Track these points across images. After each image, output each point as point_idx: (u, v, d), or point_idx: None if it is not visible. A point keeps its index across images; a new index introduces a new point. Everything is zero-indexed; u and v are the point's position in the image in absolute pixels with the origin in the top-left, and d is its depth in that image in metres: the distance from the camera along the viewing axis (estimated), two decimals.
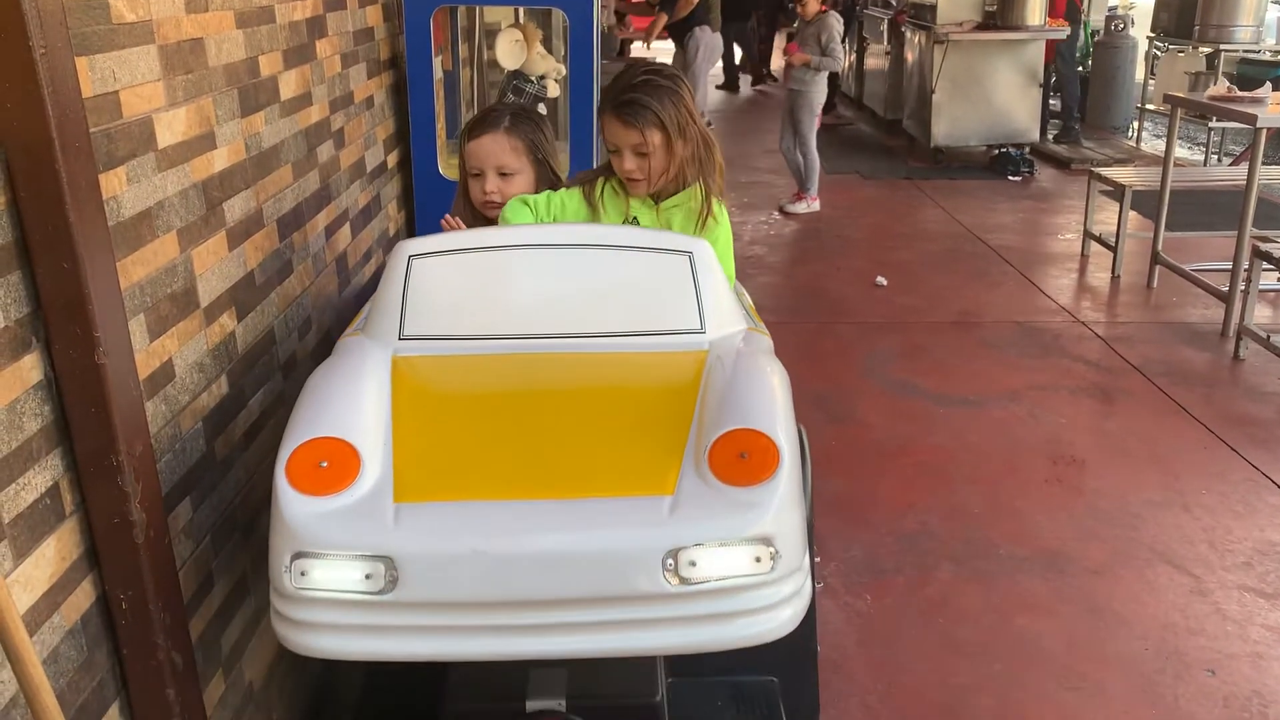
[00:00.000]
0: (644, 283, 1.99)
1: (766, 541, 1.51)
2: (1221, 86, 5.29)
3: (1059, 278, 5.86)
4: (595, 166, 2.46)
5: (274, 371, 2.22)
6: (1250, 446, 3.78)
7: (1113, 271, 5.79)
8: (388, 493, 1.54)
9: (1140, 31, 10.21)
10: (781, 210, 7.36)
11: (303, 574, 1.48)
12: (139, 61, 1.66)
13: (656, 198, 2.30)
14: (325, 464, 1.55)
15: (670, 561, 1.48)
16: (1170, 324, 5.09)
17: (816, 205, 7.35)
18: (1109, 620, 2.83)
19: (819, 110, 7.21)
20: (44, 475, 1.38)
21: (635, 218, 2.30)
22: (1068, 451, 3.77)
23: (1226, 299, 4.84)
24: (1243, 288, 4.63)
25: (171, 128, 1.76)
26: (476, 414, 1.79)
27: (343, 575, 1.47)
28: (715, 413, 1.67)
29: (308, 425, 1.62)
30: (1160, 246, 5.48)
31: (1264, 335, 4.42)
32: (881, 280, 5.76)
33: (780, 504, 1.54)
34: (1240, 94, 5.07)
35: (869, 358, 4.71)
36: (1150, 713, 2.48)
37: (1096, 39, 10.51)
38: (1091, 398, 4.27)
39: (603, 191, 2.34)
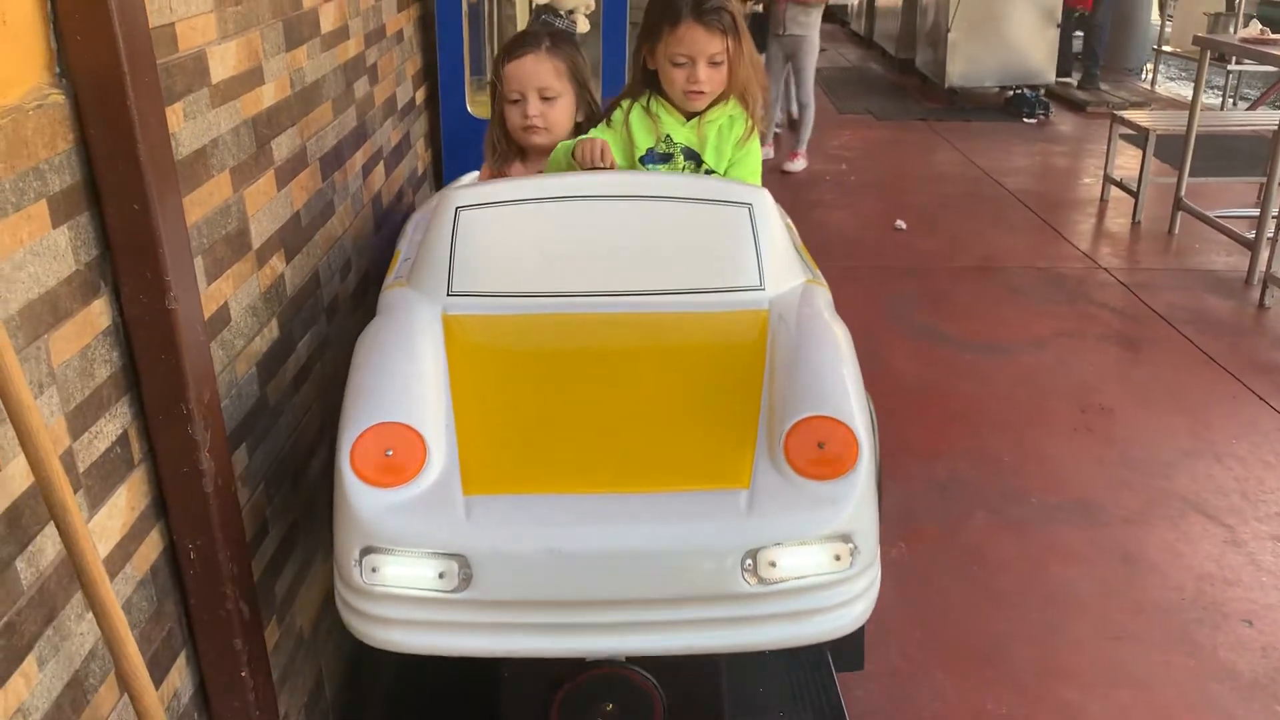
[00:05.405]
0: (702, 236, 1.92)
1: (846, 538, 1.48)
2: (1254, 29, 5.19)
3: (1080, 223, 5.80)
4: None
5: (319, 314, 2.17)
6: (1279, 396, 3.76)
7: (1133, 217, 5.73)
8: (456, 483, 1.50)
9: None
10: (782, 171, 7.08)
11: (374, 570, 1.45)
12: None
13: (690, 114, 2.20)
14: (391, 452, 1.50)
15: (749, 561, 1.44)
16: (1193, 271, 5.05)
17: (805, 163, 7.02)
18: (1144, 569, 2.83)
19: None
20: (114, 423, 1.34)
21: (668, 135, 2.19)
22: (1096, 399, 3.75)
23: (1252, 246, 4.79)
24: (1270, 235, 4.57)
25: (224, 61, 1.69)
26: (536, 388, 1.73)
27: (416, 573, 1.45)
28: (785, 391, 1.61)
29: (368, 409, 1.57)
30: (1183, 192, 5.41)
31: None
32: (901, 224, 5.69)
33: (860, 499, 1.49)
34: (1275, 36, 4.98)
35: (891, 303, 4.67)
36: (1189, 663, 2.49)
37: None
38: (1118, 345, 4.24)
39: (628, 116, 2.22)
